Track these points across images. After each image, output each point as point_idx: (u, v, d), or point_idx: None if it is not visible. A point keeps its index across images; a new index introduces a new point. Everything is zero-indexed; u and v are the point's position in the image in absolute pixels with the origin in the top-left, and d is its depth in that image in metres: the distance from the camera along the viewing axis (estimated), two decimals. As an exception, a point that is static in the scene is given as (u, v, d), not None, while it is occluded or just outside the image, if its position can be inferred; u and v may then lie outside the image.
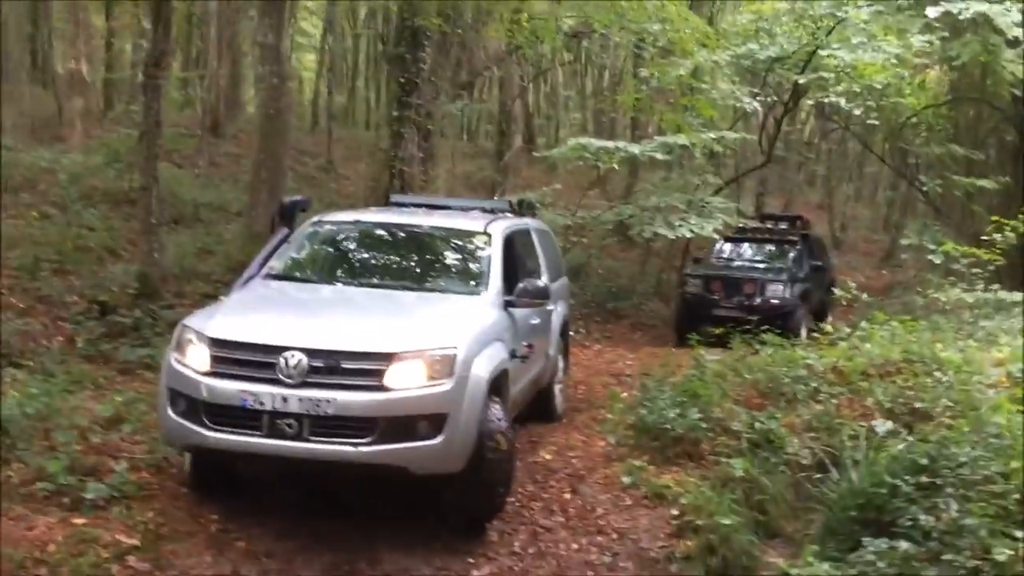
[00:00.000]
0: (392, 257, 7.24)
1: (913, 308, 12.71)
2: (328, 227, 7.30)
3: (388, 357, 5.21)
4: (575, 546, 5.99)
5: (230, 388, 5.19)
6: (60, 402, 6.93)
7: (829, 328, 11.43)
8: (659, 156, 13.40)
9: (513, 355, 6.33)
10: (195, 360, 5.37)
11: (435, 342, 5.40)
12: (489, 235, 7.02)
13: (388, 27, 24.64)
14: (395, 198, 8.61)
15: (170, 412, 5.42)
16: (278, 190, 11.37)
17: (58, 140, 18.14)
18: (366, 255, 7.31)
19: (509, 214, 8.04)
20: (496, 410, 5.69)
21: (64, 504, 5.51)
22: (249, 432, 5.15)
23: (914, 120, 18.36)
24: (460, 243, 7.21)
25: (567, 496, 6.65)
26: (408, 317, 5.94)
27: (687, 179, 16.14)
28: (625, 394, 8.97)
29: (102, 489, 5.63)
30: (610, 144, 13.20)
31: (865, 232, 33.47)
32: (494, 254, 6.82)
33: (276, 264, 6.75)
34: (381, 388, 5.15)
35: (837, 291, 13.17)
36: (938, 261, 12.50)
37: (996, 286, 11.76)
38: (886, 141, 21.92)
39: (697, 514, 6.31)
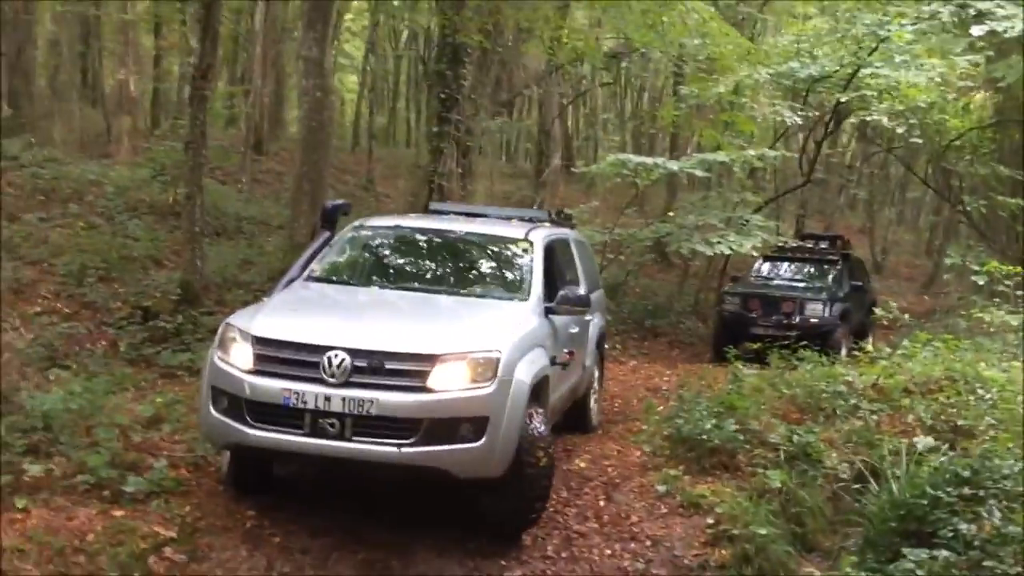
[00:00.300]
0: (433, 262, 7.26)
1: (956, 330, 12.48)
2: (369, 231, 7.35)
3: (432, 359, 5.20)
4: (608, 552, 5.96)
5: (273, 386, 5.19)
6: (102, 401, 7.03)
7: (869, 348, 11.31)
8: (698, 173, 13.36)
9: (553, 362, 6.31)
10: (238, 358, 5.38)
11: (478, 344, 5.40)
12: (530, 242, 7.02)
13: (429, 48, 24.97)
14: (434, 206, 8.66)
15: (212, 410, 5.44)
16: (319, 202, 11.47)
17: (106, 156, 18.52)
18: (407, 259, 7.33)
19: (548, 224, 8.04)
20: (537, 419, 5.66)
21: (104, 497, 5.59)
22: (291, 431, 5.14)
23: (958, 143, 18.17)
24: (501, 250, 7.22)
25: (601, 503, 6.62)
26: (451, 320, 5.98)
27: (726, 197, 16.04)
28: (661, 407, 8.90)
29: (141, 483, 5.71)
30: (649, 160, 13.18)
31: (907, 257, 33.01)
32: (535, 261, 6.81)
33: (317, 267, 6.79)
34: (424, 389, 5.14)
35: (878, 311, 13.01)
36: (981, 282, 12.28)
37: (1041, 307, 11.55)
38: (929, 163, 21.65)
39: (733, 524, 6.24)
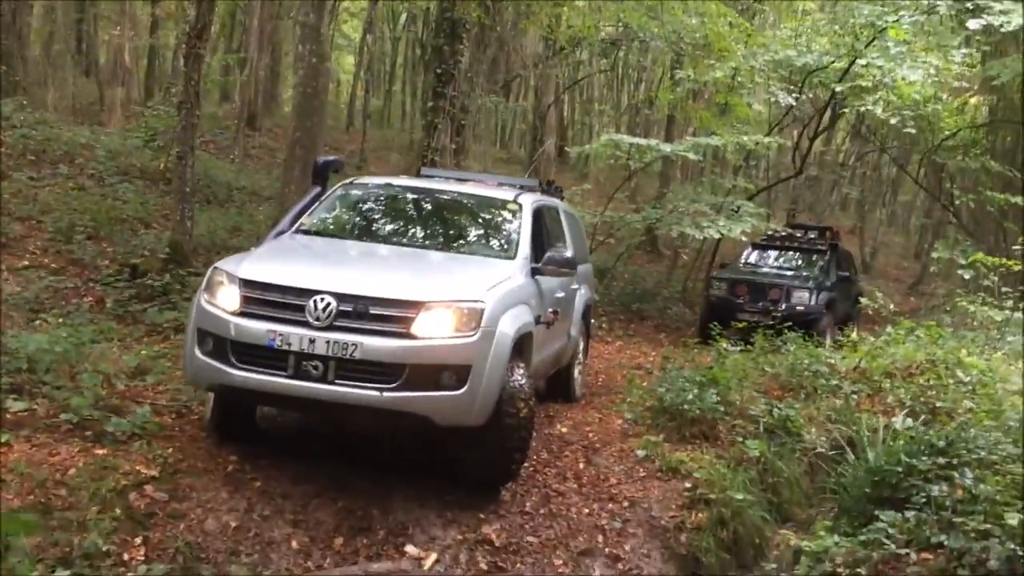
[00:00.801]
0: (422, 220, 7.31)
1: (940, 323, 12.57)
2: (359, 189, 7.40)
3: (417, 305, 5.24)
4: (586, 511, 6.01)
5: (258, 328, 5.22)
6: (87, 349, 7.06)
7: (854, 336, 11.40)
8: (691, 156, 13.37)
9: (538, 321, 6.35)
10: (225, 300, 5.40)
11: (463, 294, 5.45)
12: (519, 204, 7.08)
13: (428, 30, 24.89)
14: (426, 171, 8.63)
15: (197, 352, 5.44)
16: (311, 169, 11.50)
17: (98, 125, 18.45)
18: (396, 217, 7.37)
19: (538, 192, 8.06)
20: (519, 372, 5.73)
21: (86, 436, 5.61)
22: (274, 372, 5.16)
23: (951, 142, 18.28)
24: (490, 211, 7.27)
25: (581, 465, 6.66)
26: (437, 272, 6.04)
27: (718, 183, 16.07)
28: (644, 383, 8.95)
29: (124, 425, 5.73)
30: (643, 141, 13.21)
31: (896, 259, 33.15)
32: (524, 223, 6.86)
33: (307, 221, 6.81)
34: (408, 335, 5.17)
35: (864, 301, 13.10)
36: (968, 276, 12.34)
37: (1024, 304, 11.63)
38: (921, 163, 21.76)
39: (710, 488, 6.32)
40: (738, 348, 9.68)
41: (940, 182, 21.16)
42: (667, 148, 13.23)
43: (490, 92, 15.57)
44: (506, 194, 7.35)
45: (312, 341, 5.11)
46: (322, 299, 5.20)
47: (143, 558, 4.66)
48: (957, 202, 17.68)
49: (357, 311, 5.19)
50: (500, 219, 7.13)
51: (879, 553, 4.76)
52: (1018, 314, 11.51)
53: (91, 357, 6.93)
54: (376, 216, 7.34)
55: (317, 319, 5.16)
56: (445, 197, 7.40)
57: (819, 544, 5.30)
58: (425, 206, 7.40)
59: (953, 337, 10.68)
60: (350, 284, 5.35)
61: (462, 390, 5.22)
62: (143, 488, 5.15)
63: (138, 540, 4.77)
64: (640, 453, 6.82)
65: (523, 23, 13.71)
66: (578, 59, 22.12)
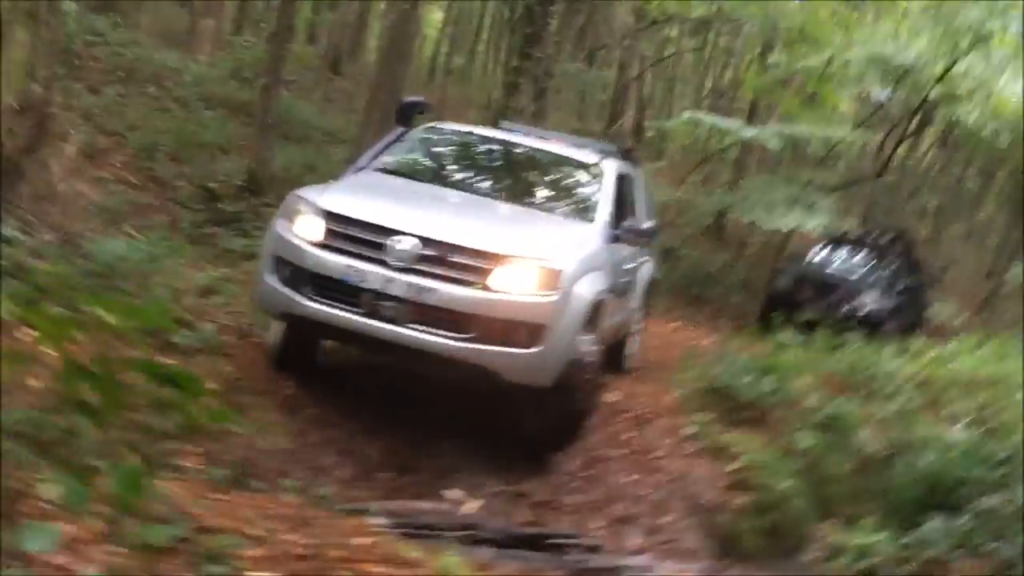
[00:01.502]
0: (503, 172, 7.22)
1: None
2: (443, 134, 7.31)
3: (497, 258, 5.17)
4: (629, 479, 6.03)
5: (338, 261, 5.18)
6: (161, 264, 7.22)
7: (919, 344, 11.15)
8: (772, 144, 13.13)
9: (611, 288, 6.26)
10: (305, 230, 5.36)
11: (544, 253, 5.36)
12: (602, 169, 6.95)
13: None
14: (504, 123, 8.48)
15: (271, 278, 5.43)
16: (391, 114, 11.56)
17: (187, 54, 18.75)
18: (476, 166, 7.26)
19: (618, 157, 7.85)
20: (589, 338, 5.65)
21: (152, 344, 5.74)
22: (349, 308, 5.14)
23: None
24: (572, 170, 7.13)
25: (628, 435, 6.66)
26: (518, 226, 5.95)
27: (796, 175, 15.77)
28: (700, 363, 8.88)
29: (190, 337, 5.87)
30: (723, 123, 13.00)
31: (967, 276, 32.25)
32: (606, 187, 6.73)
33: (387, 159, 6.72)
34: (485, 287, 5.12)
35: (933, 310, 12.82)
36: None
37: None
38: (1008, 177, 21.07)
39: (756, 473, 6.28)
40: (799, 341, 9.53)
41: (1025, 200, 20.51)
42: (749, 132, 13.00)
43: (575, 59, 15.38)
44: (589, 156, 7.19)
45: (389, 281, 5.08)
46: (404, 240, 5.15)
47: (200, 467, 4.78)
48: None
49: (437, 256, 5.12)
50: (581, 180, 7.00)
51: (926, 554, 4.68)
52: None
53: (163, 272, 7.10)
54: (456, 162, 7.26)
55: (398, 259, 5.11)
56: (526, 151, 7.27)
57: (863, 540, 5.25)
58: (505, 158, 7.32)
59: (1022, 355, 10.41)
60: (432, 228, 5.27)
61: (534, 349, 5.16)
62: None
63: (199, 450, 4.89)
64: (689, 430, 6.79)
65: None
66: (667, 35, 21.80)
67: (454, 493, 5.44)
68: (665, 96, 30.03)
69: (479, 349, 5.08)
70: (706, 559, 5.69)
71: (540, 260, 5.27)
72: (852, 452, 7.21)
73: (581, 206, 6.63)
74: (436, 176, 6.84)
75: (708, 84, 31.21)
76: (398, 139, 6.98)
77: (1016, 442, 5.93)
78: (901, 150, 21.84)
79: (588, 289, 5.50)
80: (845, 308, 12.76)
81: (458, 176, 7.02)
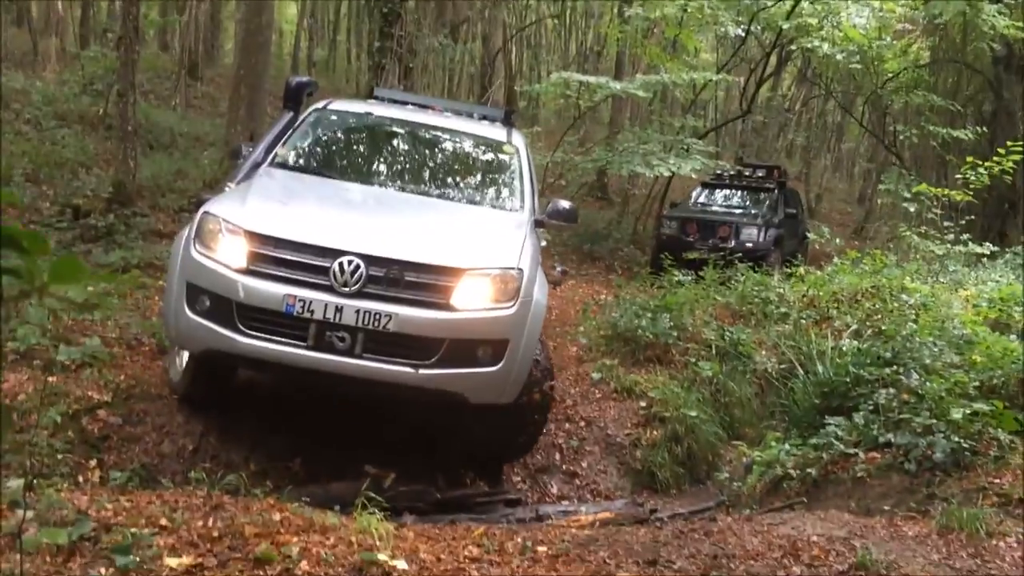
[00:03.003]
0: (414, 158, 6.48)
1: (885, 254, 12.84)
2: (336, 116, 6.48)
3: (457, 273, 4.64)
4: (543, 431, 6.05)
5: (274, 291, 4.49)
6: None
7: (801, 270, 11.60)
8: (641, 94, 13.38)
9: (550, 281, 5.85)
10: (226, 254, 4.62)
11: (502, 261, 4.84)
12: (516, 147, 6.37)
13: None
14: (379, 92, 7.51)
15: (187, 310, 4.66)
16: (257, 108, 11.29)
17: (33, 74, 17.88)
18: (384, 153, 6.52)
19: (502, 123, 7.11)
20: (542, 346, 5.26)
21: (35, 365, 5.51)
22: (291, 342, 4.48)
23: (894, 84, 18.54)
24: (485, 151, 6.52)
25: (537, 389, 6.70)
26: (464, 229, 5.37)
27: (667, 122, 16.11)
28: (598, 315, 9.02)
29: (74, 353, 5.64)
30: (592, 79, 13.17)
31: (840, 204, 33.68)
32: (523, 168, 6.19)
33: (286, 152, 5.95)
34: (447, 307, 4.59)
35: (811, 236, 13.33)
36: (912, 209, 12.59)
37: (966, 236, 11.93)
38: (865, 105, 22.05)
39: (664, 407, 6.44)
40: (689, 279, 9.80)
41: (884, 124, 21.46)
42: (617, 86, 13.20)
43: (438, 35, 15.30)
44: (498, 132, 6.60)
45: (339, 310, 4.46)
46: (350, 261, 4.52)
47: (98, 480, 4.60)
48: (901, 137, 17.98)
49: (390, 277, 4.56)
50: (496, 162, 6.43)
51: (828, 455, 4.89)
52: (958, 247, 11.81)
53: (35, 292, 6.77)
54: (363, 150, 6.56)
55: (344, 284, 4.49)
56: (432, 132, 6.55)
57: (770, 453, 5.43)
58: (413, 140, 6.54)
59: (896, 266, 10.95)
60: (380, 245, 4.65)
61: (498, 367, 4.70)
62: (96, 413, 5.09)
63: (92, 462, 4.72)
64: (595, 376, 6.89)
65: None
66: (526, 3, 21.89)
67: (372, 468, 5.38)
68: (532, 64, 30.24)
69: (445, 374, 4.59)
70: (625, 496, 5.81)
71: (498, 269, 4.78)
72: (752, 374, 7.49)
73: (504, 192, 6.14)
74: (348, 170, 6.14)
75: (573, 48, 31.57)
76: (290, 126, 6.19)
77: (900, 340, 6.23)
78: (765, 90, 22.57)
79: (541, 292, 5.08)
80: (730, 244, 13.17)
81: (370, 168, 6.31)
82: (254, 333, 4.51)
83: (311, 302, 4.46)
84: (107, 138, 13.12)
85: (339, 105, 6.60)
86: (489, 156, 6.50)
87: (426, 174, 6.29)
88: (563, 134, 15.90)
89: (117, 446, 4.92)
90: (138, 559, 2.58)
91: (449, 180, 6.27)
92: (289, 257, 4.57)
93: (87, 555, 2.60)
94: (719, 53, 21.16)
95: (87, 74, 15.19)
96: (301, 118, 6.27)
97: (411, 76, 14.21)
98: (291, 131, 6.13)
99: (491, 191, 6.21)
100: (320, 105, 6.45)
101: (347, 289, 4.50)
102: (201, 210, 4.89)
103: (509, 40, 22.33)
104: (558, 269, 6.47)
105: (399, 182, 6.05)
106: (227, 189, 5.55)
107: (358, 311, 4.47)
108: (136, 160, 10.27)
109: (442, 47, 15.55)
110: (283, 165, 5.84)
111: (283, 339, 4.50)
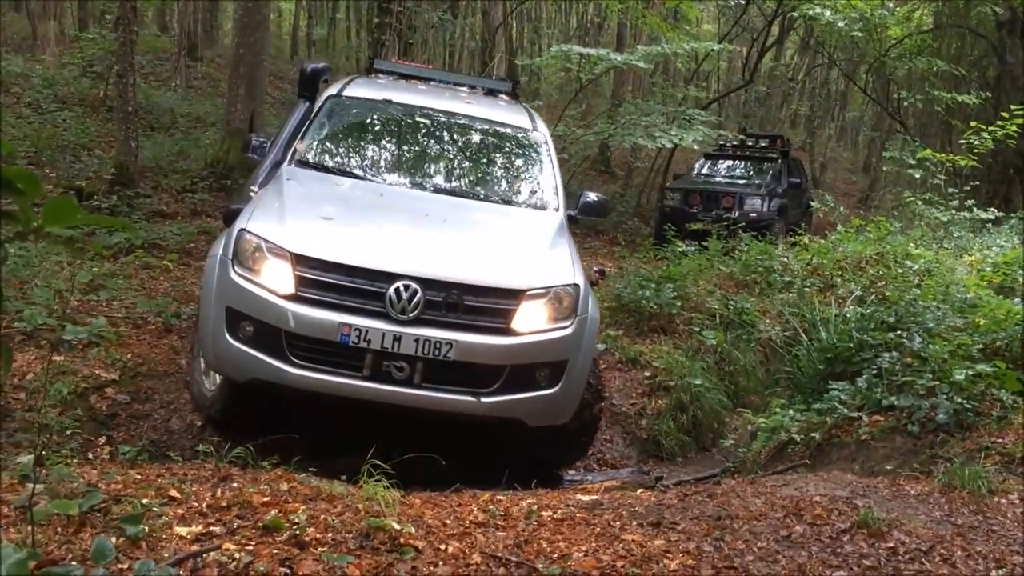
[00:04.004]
0: (443, 152, 6.03)
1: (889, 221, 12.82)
2: (354, 105, 5.97)
3: (517, 295, 4.39)
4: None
5: (327, 319, 4.19)
6: (38, 267, 6.93)
7: (805, 240, 11.60)
8: (642, 65, 13.30)
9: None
10: (271, 279, 4.29)
11: (559, 277, 4.58)
12: (543, 135, 6.03)
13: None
14: (379, 64, 7.19)
15: (227, 337, 4.33)
16: (257, 87, 11.25)
17: (33, 58, 17.86)
18: (413, 146, 5.97)
19: (508, 96, 6.94)
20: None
21: (42, 345, 5.54)
22: (346, 372, 4.21)
23: (897, 51, 18.43)
24: (511, 142, 6.10)
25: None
26: (517, 241, 5.04)
27: (669, 93, 16.04)
28: (602, 285, 9.03)
29: (80, 332, 5.65)
30: (592, 52, 13.10)
31: (845, 174, 33.58)
32: (552, 160, 5.85)
33: (308, 149, 5.52)
34: (509, 331, 4.35)
35: (815, 205, 13.31)
36: (917, 175, 12.55)
37: (971, 202, 11.89)
38: (868, 74, 21.90)
39: (669, 376, 6.46)
40: (693, 249, 9.80)
41: (888, 92, 21.35)
42: (617, 58, 13.12)
43: (436, 9, 15.23)
44: (522, 119, 6.17)
45: (397, 339, 4.18)
46: (406, 287, 4.23)
47: (108, 455, 4.65)
48: (905, 104, 17.89)
49: (449, 302, 4.28)
50: (526, 153, 6.01)
51: (832, 419, 4.91)
52: (963, 213, 11.78)
53: (40, 274, 6.81)
54: (387, 145, 6.01)
55: (402, 311, 4.22)
56: (456, 120, 6.06)
57: (774, 419, 5.44)
58: (438, 132, 6.05)
59: (901, 234, 10.95)
60: (437, 267, 4.36)
61: (556, 388, 4.48)
62: (104, 391, 5.13)
63: (102, 439, 4.76)
64: (600, 347, 6.89)
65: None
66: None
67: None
68: (533, 38, 30.09)
69: (507, 401, 4.36)
70: (631, 465, 5.84)
71: (556, 287, 4.51)
72: (756, 342, 7.51)
73: (538, 189, 5.72)
74: (377, 169, 5.66)
75: (574, 22, 31.39)
76: (308, 118, 5.76)
77: (903, 305, 6.23)
78: (768, 60, 22.41)
79: (593, 305, 4.84)
80: (733, 214, 13.16)
81: (400, 165, 5.78)
82: (306, 363, 4.23)
83: (367, 331, 4.18)
84: (108, 120, 13.11)
85: (355, 91, 6.06)
86: (517, 147, 6.11)
87: (458, 171, 5.86)
88: (564, 107, 15.83)
89: (126, 423, 4.96)
90: (147, 529, 2.61)
91: (483, 177, 5.84)
92: (342, 282, 4.27)
93: (97, 526, 2.64)
94: (720, 24, 20.99)
95: (86, 56, 15.17)
96: (317, 108, 5.83)
97: (411, 52, 14.17)
98: (309, 123, 5.72)
99: (526, 187, 5.80)
100: (334, 91, 5.97)
101: (404, 316, 4.22)
102: (237, 227, 4.51)
103: (509, 14, 22.21)
104: (595, 269, 6.21)
105: (432, 181, 5.60)
106: (251, 194, 5.14)
107: (417, 340, 4.20)
108: (137, 141, 10.28)
109: (441, 22, 15.47)
110: (305, 164, 5.40)
111: (337, 369, 4.23)
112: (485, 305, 4.34)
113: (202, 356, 4.73)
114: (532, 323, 4.40)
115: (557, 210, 5.47)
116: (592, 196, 5.77)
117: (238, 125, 10.92)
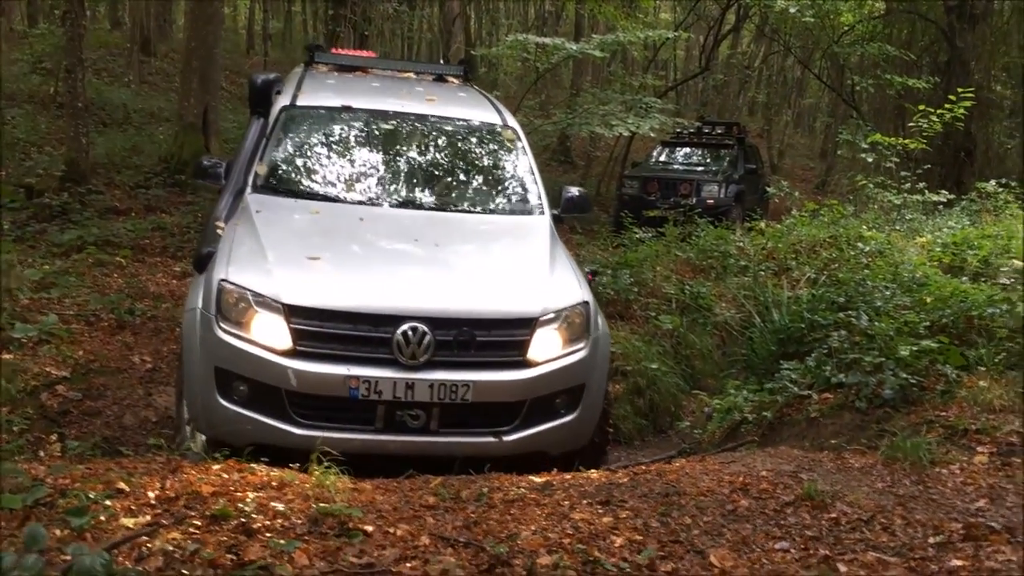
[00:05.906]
0: (415, 161, 5.39)
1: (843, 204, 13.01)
2: (310, 116, 5.43)
3: (530, 323, 4.07)
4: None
5: (333, 374, 3.84)
6: (-15, 266, 6.82)
7: (762, 225, 11.74)
8: (598, 54, 13.35)
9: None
10: (264, 335, 3.90)
11: (569, 296, 4.29)
12: (515, 131, 5.60)
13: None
14: (319, 57, 6.54)
15: (221, 400, 3.93)
16: (211, 81, 11.14)
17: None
18: (382, 158, 5.37)
19: (461, 79, 6.57)
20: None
21: (-11, 344, 5.46)
22: (358, 428, 3.91)
23: (850, 37, 18.68)
24: (486, 141, 5.63)
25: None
26: (516, 258, 4.72)
27: (626, 82, 16.11)
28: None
29: (30, 330, 5.56)
30: (549, 41, 13.13)
31: (802, 160, 33.95)
32: (528, 156, 5.48)
33: (264, 172, 4.97)
34: (525, 363, 4.05)
35: (771, 190, 13.45)
36: (870, 159, 12.73)
37: (922, 184, 12.10)
38: (822, 60, 22.15)
39: (626, 361, 6.51)
40: (650, 236, 9.88)
41: (842, 78, 21.61)
42: (573, 47, 13.15)
43: (392, 0, 15.17)
44: (491, 115, 5.68)
45: (410, 386, 3.86)
46: (414, 329, 3.89)
47: (59, 454, 4.60)
48: (858, 88, 18.13)
49: (460, 340, 3.96)
50: (503, 152, 5.54)
51: (783, 398, 4.99)
52: (915, 196, 11.98)
53: (-11, 274, 6.71)
54: (354, 158, 5.35)
55: (412, 356, 3.88)
56: (422, 124, 5.55)
57: (728, 400, 5.53)
58: (404, 138, 5.50)
59: (854, 217, 11.12)
60: (442, 302, 4.05)
61: (575, 414, 4.22)
62: (55, 388, 5.07)
63: (53, 437, 4.71)
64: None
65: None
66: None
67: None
68: (491, 29, 30.05)
69: (528, 436, 4.09)
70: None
71: (567, 309, 4.23)
72: (712, 326, 7.60)
73: (521, 191, 5.37)
74: (351, 189, 5.06)
75: (532, 12, 31.38)
76: (264, 135, 5.18)
77: (853, 285, 6.34)
78: (724, 48, 22.58)
79: (602, 319, 4.57)
80: (691, 201, 13.27)
81: (374, 182, 5.19)
82: (312, 422, 3.87)
83: (377, 382, 3.84)
84: (59, 116, 12.92)
85: (308, 98, 5.50)
86: (491, 146, 5.63)
87: (435, 183, 5.30)
88: (522, 96, 15.85)
89: (78, 420, 4.91)
90: (93, 521, 2.60)
91: (461, 186, 5.38)
92: (344, 331, 3.91)
93: (42, 519, 2.62)
94: (677, 12, 21.11)
95: (36, 52, 14.91)
96: (271, 123, 5.26)
97: (367, 44, 14.13)
98: (266, 141, 5.14)
99: (508, 192, 5.41)
100: (287, 101, 5.40)
101: (415, 361, 3.88)
102: (216, 277, 4.06)
103: (467, 5, 22.17)
104: (586, 270, 6.09)
105: (410, 196, 5.11)
106: (218, 231, 4.59)
107: (431, 385, 3.87)
108: (88, 137, 10.16)
109: (397, 13, 15.40)
110: (270, 188, 4.89)
111: (347, 425, 3.91)
112: (498, 339, 4.04)
113: (192, 421, 4.19)
114: (548, 351, 4.11)
115: (543, 213, 5.16)
116: (573, 191, 5.47)
117: (191, 120, 10.82)
